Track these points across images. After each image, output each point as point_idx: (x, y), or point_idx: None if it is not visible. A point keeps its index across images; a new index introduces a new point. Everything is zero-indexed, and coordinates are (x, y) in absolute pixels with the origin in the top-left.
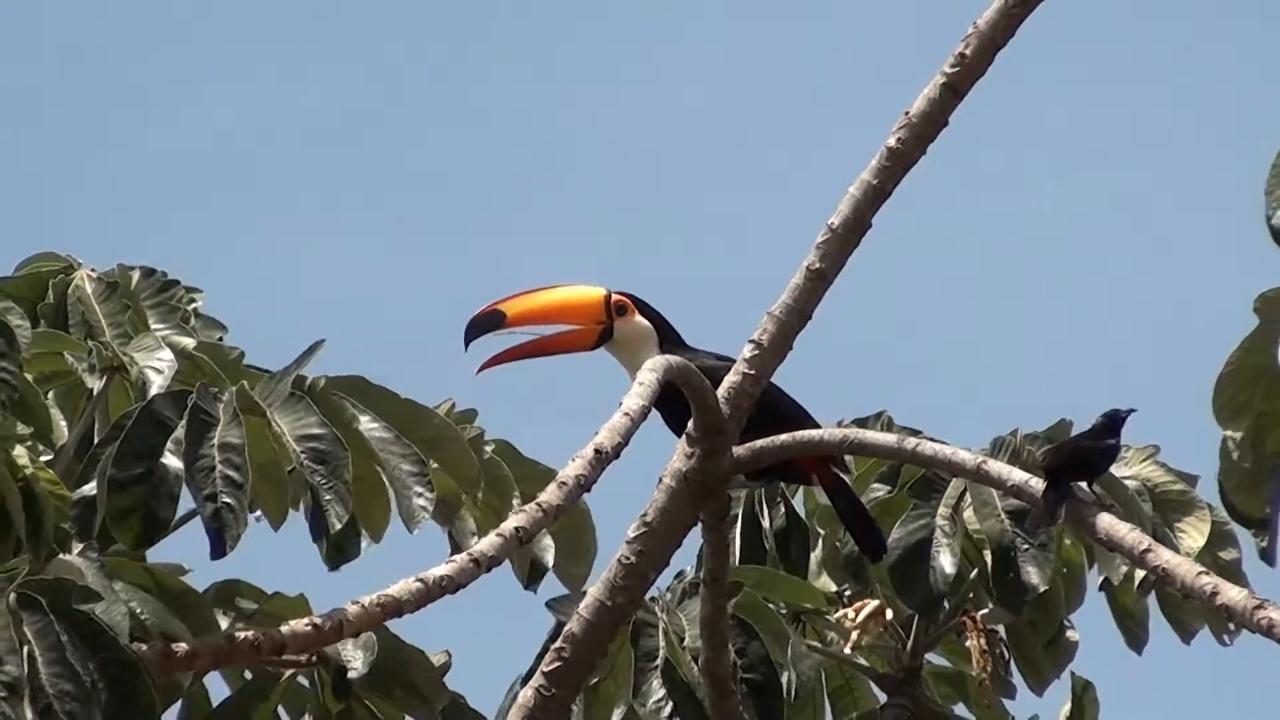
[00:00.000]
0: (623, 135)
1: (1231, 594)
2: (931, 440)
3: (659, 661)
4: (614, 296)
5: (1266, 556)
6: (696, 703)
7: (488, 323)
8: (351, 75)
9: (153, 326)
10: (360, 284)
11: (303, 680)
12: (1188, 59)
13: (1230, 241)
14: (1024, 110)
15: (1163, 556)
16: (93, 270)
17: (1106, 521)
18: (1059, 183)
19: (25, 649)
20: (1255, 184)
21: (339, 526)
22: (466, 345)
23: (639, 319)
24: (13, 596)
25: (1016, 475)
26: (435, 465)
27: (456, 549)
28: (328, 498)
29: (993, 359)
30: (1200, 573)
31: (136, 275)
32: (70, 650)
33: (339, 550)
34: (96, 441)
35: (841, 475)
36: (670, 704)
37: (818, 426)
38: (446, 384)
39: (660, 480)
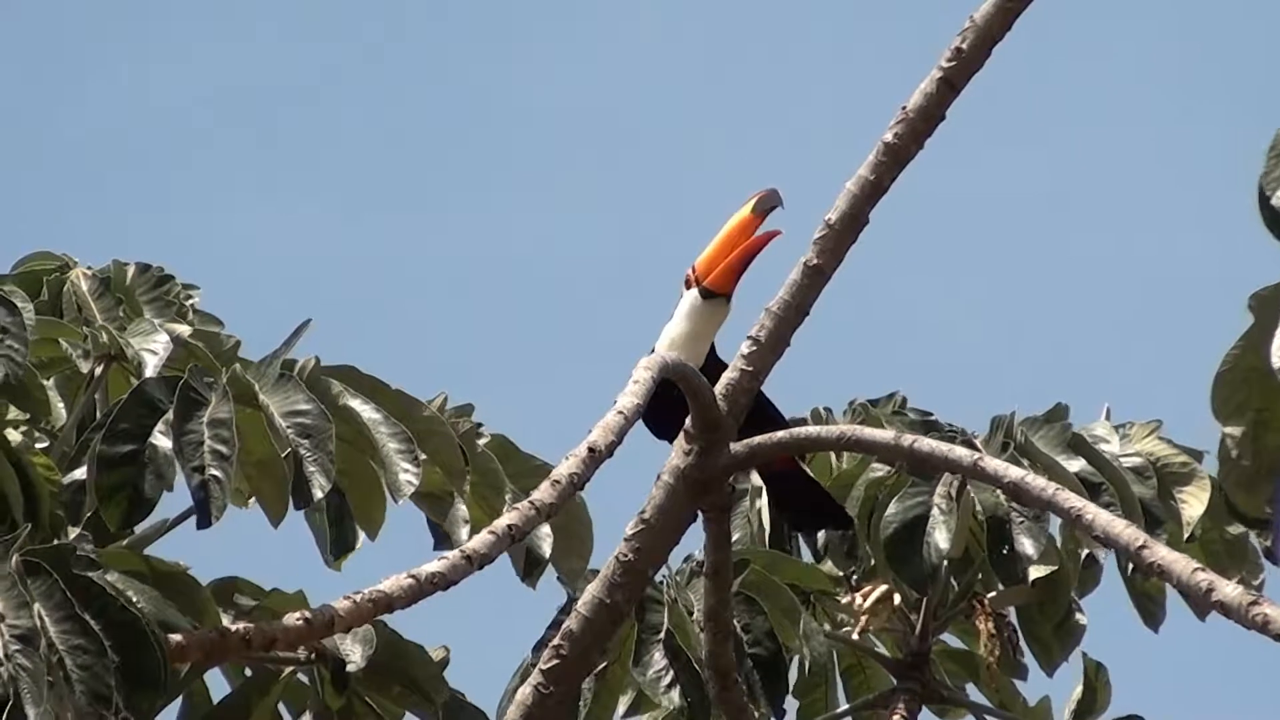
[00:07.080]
0: (601, 117)
1: (1227, 590)
2: (928, 437)
3: (662, 634)
4: None
5: (1270, 555)
6: (697, 673)
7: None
8: (282, 38)
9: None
10: (300, 256)
11: (302, 677)
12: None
13: (1214, 212)
14: (1001, 75)
15: (1158, 553)
16: (88, 268)
17: (1104, 519)
18: (1037, 150)
19: (35, 607)
20: (1229, 149)
21: (320, 496)
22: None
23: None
24: (16, 559)
25: (1013, 472)
26: (423, 458)
27: (444, 538)
28: (311, 469)
29: (966, 339)
30: (1196, 569)
31: (131, 271)
32: (78, 608)
33: (339, 536)
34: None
35: (800, 463)
36: (671, 674)
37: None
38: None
39: (658, 477)
